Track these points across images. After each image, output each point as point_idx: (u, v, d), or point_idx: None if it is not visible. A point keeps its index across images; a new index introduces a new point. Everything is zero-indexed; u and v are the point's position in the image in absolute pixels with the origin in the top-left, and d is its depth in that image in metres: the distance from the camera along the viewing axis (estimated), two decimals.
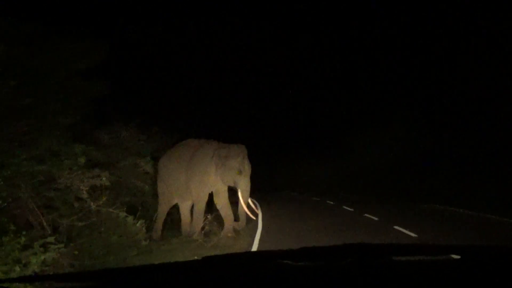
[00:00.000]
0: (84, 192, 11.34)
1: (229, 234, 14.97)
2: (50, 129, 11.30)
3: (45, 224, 10.40)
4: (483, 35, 31.82)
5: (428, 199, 27.55)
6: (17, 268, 7.97)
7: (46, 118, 11.27)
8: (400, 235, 14.58)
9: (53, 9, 15.28)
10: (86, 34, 12.66)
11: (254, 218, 16.10)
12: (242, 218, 15.55)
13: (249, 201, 15.56)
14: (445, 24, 36.68)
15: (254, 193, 40.88)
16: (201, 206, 14.94)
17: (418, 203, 27.14)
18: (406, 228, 15.55)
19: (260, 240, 14.54)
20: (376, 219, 19.50)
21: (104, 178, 11.92)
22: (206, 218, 14.82)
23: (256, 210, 15.95)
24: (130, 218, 12.37)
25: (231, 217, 15.53)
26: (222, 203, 15.50)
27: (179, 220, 16.18)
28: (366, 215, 20.95)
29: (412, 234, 14.51)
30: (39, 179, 10.56)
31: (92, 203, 11.49)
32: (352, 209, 24.72)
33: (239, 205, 15.38)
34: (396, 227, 16.16)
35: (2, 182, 9.05)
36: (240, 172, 14.82)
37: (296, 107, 72.46)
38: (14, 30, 10.48)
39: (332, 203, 30.59)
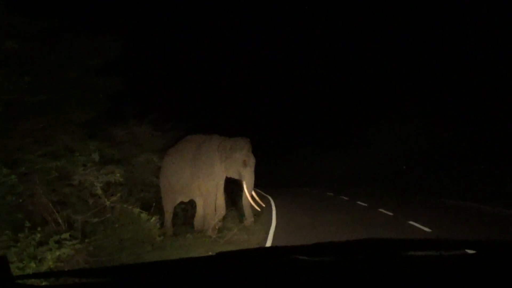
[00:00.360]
0: (99, 188, 11.39)
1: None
2: (65, 125, 11.36)
3: (60, 220, 10.44)
4: (498, 28, 31.64)
5: (444, 193, 27.35)
6: (33, 264, 8.02)
7: (61, 115, 11.32)
8: (415, 230, 14.51)
9: (67, 6, 15.31)
10: (100, 30, 12.69)
11: (259, 209, 16.22)
12: (249, 214, 15.68)
13: (253, 193, 15.60)
14: (460, 18, 36.51)
15: (266, 188, 41.10)
16: (211, 199, 14.94)
17: (433, 197, 26.95)
18: (420, 223, 15.46)
19: (274, 235, 14.54)
20: (390, 214, 19.41)
21: (118, 175, 11.97)
22: (220, 214, 14.84)
23: (260, 201, 15.95)
24: (144, 214, 12.40)
25: (224, 206, 15.65)
26: (219, 194, 15.49)
27: (193, 216, 16.18)
28: (380, 210, 20.85)
29: (427, 229, 14.43)
30: (54, 176, 10.61)
31: (106, 200, 11.53)
32: (366, 204, 24.60)
33: (243, 199, 15.61)
34: (410, 222, 16.08)
35: (17, 179, 9.08)
36: (245, 165, 14.95)
37: (309, 101, 72.48)
38: (29, 26, 10.53)
39: (346, 198, 30.47)
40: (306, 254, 2.46)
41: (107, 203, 11.54)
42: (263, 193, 35.59)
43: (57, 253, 8.50)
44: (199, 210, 15.62)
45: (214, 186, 14.97)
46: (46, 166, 10.25)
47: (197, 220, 15.41)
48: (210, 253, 10.39)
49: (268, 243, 13.14)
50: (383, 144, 44.54)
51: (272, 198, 31.20)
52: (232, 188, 18.12)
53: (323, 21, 67.31)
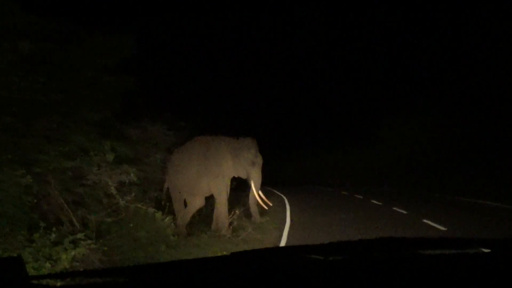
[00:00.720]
0: (113, 188, 11.42)
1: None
2: (79, 125, 11.40)
3: (74, 220, 10.49)
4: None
5: (459, 191, 27.28)
6: (48, 265, 8.05)
7: (76, 114, 11.37)
8: (429, 229, 14.48)
9: (80, 5, 15.38)
10: (113, 29, 12.72)
11: (266, 208, 16.41)
12: (255, 212, 15.87)
13: (260, 192, 15.71)
14: (474, 15, 36.32)
15: (279, 186, 41.11)
16: (222, 198, 14.96)
17: (448, 195, 26.90)
18: (435, 222, 15.42)
19: (288, 234, 14.55)
20: (405, 212, 19.37)
21: (132, 174, 12.00)
22: (234, 213, 14.87)
23: (267, 200, 16.05)
24: (158, 214, 12.41)
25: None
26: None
27: (208, 215, 16.22)
28: (394, 208, 20.81)
29: (441, 228, 14.39)
30: (68, 176, 10.66)
31: (120, 199, 11.57)
32: (380, 203, 24.56)
33: (250, 198, 15.88)
34: (425, 220, 16.04)
35: (32, 179, 9.13)
36: (253, 164, 15.09)
37: (325, 99, 72.32)
38: (43, 27, 10.58)
39: (360, 196, 30.43)
40: (321, 254, 2.46)
41: (121, 202, 11.57)
42: (276, 192, 35.63)
43: (72, 253, 8.53)
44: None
45: (224, 185, 15.02)
46: (61, 166, 10.30)
47: (214, 220, 15.45)
48: (224, 253, 10.41)
49: (283, 242, 13.17)
50: (398, 142, 44.40)
51: (286, 197, 31.21)
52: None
53: (333, 17, 67.17)
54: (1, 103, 9.45)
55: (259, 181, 15.47)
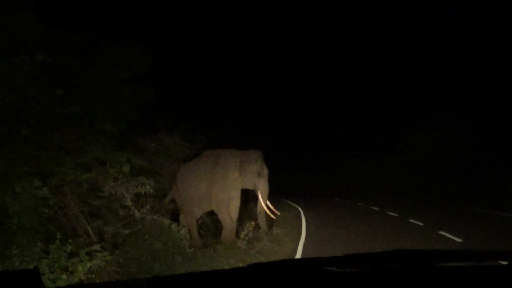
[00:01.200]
0: (129, 200, 11.46)
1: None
2: (96, 137, 11.45)
3: (90, 232, 10.53)
4: None
5: (477, 202, 27.10)
6: (64, 276, 8.07)
7: (93, 126, 11.43)
8: (446, 241, 14.37)
9: (96, 18, 15.51)
10: (131, 41, 12.80)
11: (274, 217, 16.42)
12: (263, 223, 15.84)
13: (268, 202, 15.80)
14: (496, 26, 36.24)
15: (295, 198, 41.04)
16: (224, 210, 15.21)
17: (465, 207, 26.73)
18: (452, 233, 15.31)
19: (304, 246, 14.52)
20: (421, 224, 19.24)
21: (148, 186, 12.03)
22: (249, 224, 14.87)
23: (275, 210, 16.10)
24: (174, 225, 12.44)
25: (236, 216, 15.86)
26: (232, 205, 15.61)
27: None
28: (410, 220, 20.70)
29: (458, 240, 14.28)
30: (85, 187, 10.70)
31: (136, 211, 11.60)
32: (396, 214, 24.44)
33: (258, 208, 15.86)
34: (441, 232, 15.93)
35: (48, 191, 9.17)
36: (259, 176, 15.29)
37: (343, 110, 72.34)
38: (59, 39, 10.66)
39: (376, 208, 30.29)
40: (337, 266, 2.45)
41: (137, 214, 11.61)
42: (292, 204, 35.57)
43: (88, 264, 8.55)
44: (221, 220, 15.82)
45: (226, 198, 15.15)
46: (77, 178, 10.34)
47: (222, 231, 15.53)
48: (240, 265, 10.38)
49: (298, 254, 13.13)
50: (415, 153, 44.23)
51: (302, 208, 31.13)
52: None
53: (353, 27, 67.29)
54: (18, 115, 9.51)
55: (266, 191, 15.58)
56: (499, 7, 35.38)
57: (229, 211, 15.18)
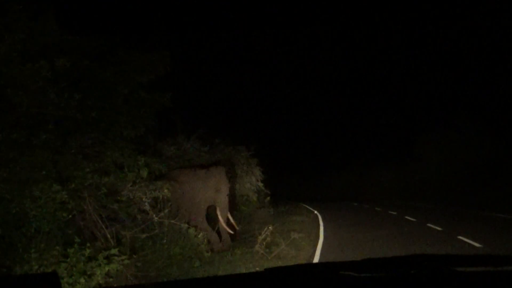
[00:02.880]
0: (147, 204, 11.49)
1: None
2: (114, 141, 11.49)
3: (108, 236, 10.55)
4: None
5: (495, 208, 26.84)
6: (82, 280, 8.11)
7: (111, 131, 11.47)
8: (464, 246, 14.26)
9: (115, 23, 15.59)
10: (149, 46, 12.84)
11: (232, 232, 15.86)
12: (224, 237, 15.52)
13: (229, 216, 15.82)
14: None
15: (313, 202, 40.99)
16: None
17: (484, 212, 26.51)
18: (470, 238, 15.17)
19: (322, 250, 14.47)
20: (439, 229, 19.09)
21: (166, 190, 12.06)
22: (267, 229, 14.83)
23: (234, 224, 15.97)
24: (192, 230, 12.46)
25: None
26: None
27: (241, 232, 16.26)
28: (428, 224, 20.55)
29: (477, 244, 14.15)
30: (103, 192, 10.74)
31: (154, 215, 11.62)
32: (414, 219, 24.27)
33: (219, 223, 15.51)
34: (460, 237, 15.79)
35: (67, 195, 9.22)
36: (217, 191, 15.26)
37: (361, 116, 72.10)
38: (80, 45, 10.73)
39: (394, 213, 30.12)
40: (354, 270, 2.44)
41: (155, 218, 11.63)
42: (310, 208, 35.53)
43: (106, 268, 8.59)
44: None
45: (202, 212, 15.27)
46: (95, 182, 10.38)
47: None
48: (257, 269, 10.37)
49: (316, 259, 13.08)
50: (433, 158, 43.96)
51: (320, 213, 31.06)
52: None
53: (371, 33, 67.12)
54: (37, 120, 9.57)
55: (225, 206, 15.60)
56: None
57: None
